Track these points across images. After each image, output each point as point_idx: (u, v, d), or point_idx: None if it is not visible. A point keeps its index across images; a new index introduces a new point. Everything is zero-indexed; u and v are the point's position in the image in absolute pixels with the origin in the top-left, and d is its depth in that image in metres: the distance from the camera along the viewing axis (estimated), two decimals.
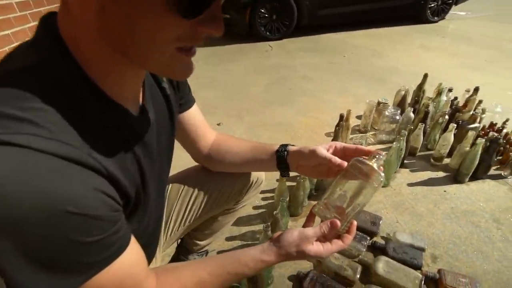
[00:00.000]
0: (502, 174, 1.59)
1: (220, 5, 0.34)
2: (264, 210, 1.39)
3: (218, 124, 2.12)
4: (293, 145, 0.71)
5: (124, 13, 0.31)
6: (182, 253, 0.99)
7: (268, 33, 4.06)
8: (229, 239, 1.25)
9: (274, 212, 1.09)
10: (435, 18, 4.77)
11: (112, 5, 0.31)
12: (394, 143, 1.42)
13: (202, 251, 1.01)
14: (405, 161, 1.67)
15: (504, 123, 1.73)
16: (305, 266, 1.13)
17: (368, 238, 1.20)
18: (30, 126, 0.31)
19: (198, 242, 0.95)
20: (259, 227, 1.30)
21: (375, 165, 0.55)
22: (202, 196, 0.79)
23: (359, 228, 1.24)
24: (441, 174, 1.61)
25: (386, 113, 1.83)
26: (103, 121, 0.38)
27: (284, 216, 1.19)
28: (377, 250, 1.18)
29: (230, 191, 0.82)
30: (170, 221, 0.78)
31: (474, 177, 1.55)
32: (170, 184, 0.80)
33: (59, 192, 0.31)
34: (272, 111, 2.27)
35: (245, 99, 2.47)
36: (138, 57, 0.36)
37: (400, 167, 1.64)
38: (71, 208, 0.31)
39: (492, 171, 1.60)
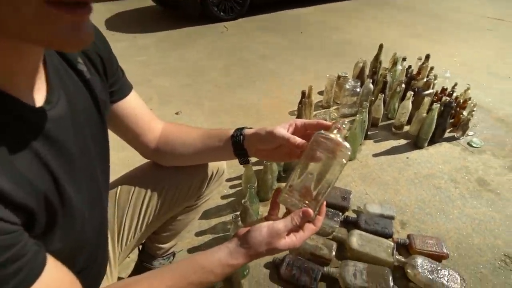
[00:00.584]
0: (455, 135, 1.67)
1: None
2: (233, 198, 1.32)
3: (177, 113, 1.98)
4: (250, 128, 0.63)
5: None
6: (145, 259, 0.89)
7: (222, 13, 3.86)
8: (198, 234, 1.18)
9: (243, 201, 1.03)
10: None
11: None
12: (357, 115, 1.42)
13: (168, 254, 0.92)
14: (368, 133, 1.69)
15: (453, 87, 1.81)
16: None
17: (340, 213, 1.20)
18: None
19: (161, 245, 0.86)
20: (230, 217, 1.24)
21: (339, 137, 0.50)
22: (157, 197, 0.70)
23: (330, 205, 1.23)
24: (402, 141, 1.66)
25: (347, 86, 1.83)
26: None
27: (253, 203, 1.13)
28: (350, 224, 1.18)
29: (189, 187, 0.73)
30: (123, 229, 0.68)
31: (432, 141, 1.62)
32: (119, 187, 0.69)
33: None
34: (233, 95, 2.17)
35: (203, 85, 2.33)
36: (7, 27, 0.26)
37: (364, 139, 1.65)
38: None
39: (446, 134, 1.68)
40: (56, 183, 0.35)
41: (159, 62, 2.77)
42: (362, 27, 3.54)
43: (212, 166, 0.76)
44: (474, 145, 1.61)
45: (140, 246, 0.91)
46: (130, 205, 0.68)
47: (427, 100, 1.56)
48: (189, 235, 1.17)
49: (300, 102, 1.58)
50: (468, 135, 1.68)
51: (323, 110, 1.95)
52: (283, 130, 0.56)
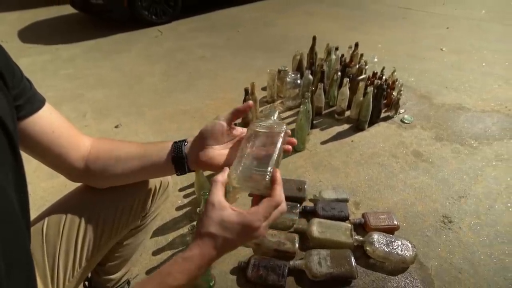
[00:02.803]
0: (389, 115, 1.82)
1: None
2: (188, 208, 1.25)
3: (116, 127, 1.82)
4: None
5: None
6: None
7: (153, 16, 3.68)
8: (156, 252, 1.09)
9: (198, 210, 0.97)
10: None
11: None
12: (301, 106, 1.45)
13: (121, 284, 0.82)
14: (314, 122, 1.75)
15: (382, 71, 1.97)
16: (244, 254, 1.07)
17: (298, 205, 1.21)
18: None
19: (110, 277, 0.76)
20: (187, 229, 1.17)
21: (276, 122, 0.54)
22: (94, 224, 0.61)
23: (287, 198, 1.22)
24: (346, 126, 1.75)
25: (288, 80, 1.86)
26: None
27: None
28: (309, 214, 1.20)
29: (130, 208, 0.65)
30: (58, 269, 0.58)
31: (371, 122, 1.73)
32: (45, 219, 0.59)
33: None
34: (175, 100, 2.07)
35: (142, 93, 2.18)
36: None
37: (311, 129, 1.70)
38: None
39: (382, 114, 1.82)
40: None
41: (90, 73, 2.52)
42: (296, 21, 3.67)
43: (155, 180, 0.69)
44: (406, 121, 1.77)
45: (87, 283, 0.80)
46: (63, 239, 0.58)
47: (361, 85, 1.66)
48: (146, 256, 1.07)
49: (244, 100, 1.56)
50: (400, 113, 1.84)
51: (269, 105, 1.97)
52: (222, 120, 0.54)
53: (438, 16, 3.74)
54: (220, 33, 3.38)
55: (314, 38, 2.14)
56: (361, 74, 1.81)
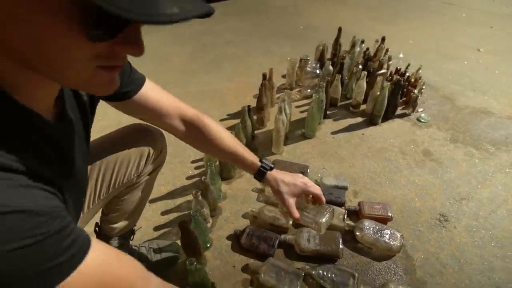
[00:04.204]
0: (407, 112, 1.80)
1: (138, 27, 0.33)
2: (197, 178, 1.36)
3: None
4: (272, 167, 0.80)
5: (26, 32, 0.28)
6: (103, 239, 0.92)
7: None
8: (164, 213, 1.22)
9: (203, 178, 1.07)
10: None
11: (11, 24, 0.27)
12: (313, 95, 1.49)
13: (124, 233, 0.94)
14: (328, 112, 1.78)
15: (406, 68, 1.94)
16: (242, 224, 1.16)
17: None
18: None
19: (113, 225, 0.88)
20: None
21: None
22: (103, 169, 0.74)
23: None
24: (359, 119, 1.76)
25: (308, 69, 1.90)
26: (10, 123, 0.34)
27: (215, 180, 1.18)
28: None
29: (127, 164, 0.77)
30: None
31: (386, 117, 1.74)
32: None
33: None
34: (198, 80, 2.18)
35: (168, 72, 2.31)
36: (52, 74, 0.33)
37: (324, 118, 1.74)
38: None
39: (399, 111, 1.81)
40: (60, 184, 0.40)
41: None
42: (326, 11, 3.61)
43: (149, 146, 0.80)
44: (422, 120, 1.75)
45: (97, 229, 0.93)
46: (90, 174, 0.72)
47: (379, 79, 1.66)
48: (155, 214, 1.21)
49: (261, 84, 1.62)
50: (417, 111, 1.81)
51: (285, 92, 2.01)
52: (290, 200, 0.78)
53: (482, 14, 3.51)
54: (248, 18, 3.42)
55: (339, 30, 2.13)
56: (381, 69, 1.80)
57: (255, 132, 1.62)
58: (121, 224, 0.89)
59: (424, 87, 1.84)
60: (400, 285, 0.95)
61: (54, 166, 0.41)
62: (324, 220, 0.81)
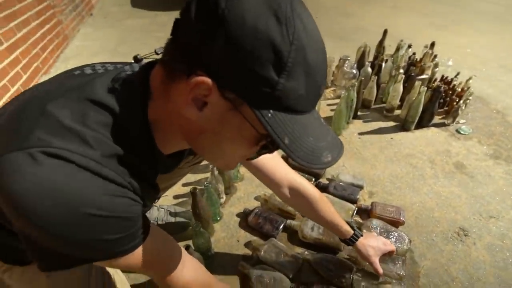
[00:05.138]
0: (446, 122, 1.70)
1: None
2: None
3: None
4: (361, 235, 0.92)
5: (218, 138, 0.43)
6: None
7: None
8: (185, 185, 1.33)
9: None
10: None
11: (212, 134, 0.43)
12: (343, 92, 1.49)
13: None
14: (359, 113, 1.76)
15: (455, 76, 1.82)
16: (252, 205, 1.23)
17: (313, 178, 1.30)
18: (79, 143, 0.39)
19: None
20: None
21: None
22: None
23: (305, 171, 1.34)
24: (391, 123, 1.71)
25: (345, 68, 1.88)
26: (145, 164, 0.47)
27: None
28: (320, 189, 1.27)
29: None
30: None
31: (420, 125, 1.66)
32: None
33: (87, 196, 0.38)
34: None
35: None
36: (207, 156, 0.50)
37: (353, 118, 1.72)
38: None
39: (437, 120, 1.71)
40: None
41: None
42: (378, 14, 3.48)
43: None
44: (462, 132, 1.64)
45: None
46: None
47: (418, 83, 1.59)
48: (178, 185, 1.32)
49: None
50: (458, 123, 1.70)
51: None
52: (376, 260, 0.91)
53: None
54: None
55: (385, 32, 2.07)
56: (422, 74, 1.72)
57: None
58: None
59: (471, 98, 1.71)
60: (397, 286, 0.94)
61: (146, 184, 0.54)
62: (402, 272, 0.96)
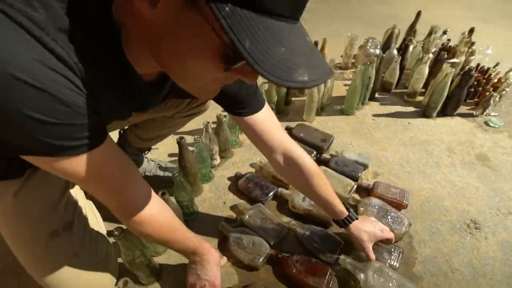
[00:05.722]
0: (474, 113, 1.53)
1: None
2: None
3: None
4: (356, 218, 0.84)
5: (178, 47, 0.37)
6: (123, 143, 1.04)
7: None
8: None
9: (219, 114, 1.11)
10: None
11: (171, 39, 0.37)
12: (359, 66, 1.38)
13: (141, 148, 1.06)
14: (377, 95, 1.64)
15: (494, 66, 1.64)
16: (246, 171, 1.17)
17: (315, 151, 1.22)
18: (25, 4, 0.33)
19: (138, 139, 1.01)
20: None
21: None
22: None
23: (308, 143, 1.26)
24: (411, 109, 1.58)
25: (368, 48, 1.76)
26: (113, 67, 0.43)
27: (235, 128, 1.22)
28: (321, 163, 1.20)
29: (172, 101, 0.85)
30: None
31: (444, 113, 1.51)
32: None
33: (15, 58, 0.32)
34: None
35: None
36: (175, 76, 0.43)
37: (370, 100, 1.60)
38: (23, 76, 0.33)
39: (465, 110, 1.55)
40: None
41: None
42: (419, 5, 3.23)
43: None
44: (491, 124, 1.47)
45: (121, 131, 1.06)
46: None
47: (446, 66, 1.44)
48: (173, 142, 1.30)
49: None
50: (489, 115, 1.53)
51: (339, 71, 1.91)
52: (369, 246, 0.83)
53: None
54: (329, 1, 3.30)
55: (418, 14, 1.91)
56: (452, 57, 1.56)
57: (292, 98, 1.60)
58: (142, 140, 1.00)
59: (508, 89, 1.53)
60: (387, 269, 0.85)
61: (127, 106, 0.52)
62: (396, 264, 0.87)
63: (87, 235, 0.76)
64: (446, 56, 1.66)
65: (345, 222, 0.83)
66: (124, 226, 0.65)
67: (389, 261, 0.86)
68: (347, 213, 0.82)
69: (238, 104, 0.69)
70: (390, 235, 0.86)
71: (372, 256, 0.83)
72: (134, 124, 0.99)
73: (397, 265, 0.86)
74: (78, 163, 0.45)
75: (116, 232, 0.67)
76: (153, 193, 0.64)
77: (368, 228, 0.84)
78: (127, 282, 0.62)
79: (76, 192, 0.79)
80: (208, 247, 0.79)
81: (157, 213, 0.63)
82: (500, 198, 1.10)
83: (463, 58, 1.65)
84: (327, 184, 0.81)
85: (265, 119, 0.73)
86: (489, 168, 1.23)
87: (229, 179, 1.15)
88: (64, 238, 0.71)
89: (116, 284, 0.61)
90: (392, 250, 0.88)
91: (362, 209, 1.00)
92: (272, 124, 0.75)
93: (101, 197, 0.55)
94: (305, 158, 0.77)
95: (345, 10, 3.05)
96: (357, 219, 0.84)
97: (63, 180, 0.75)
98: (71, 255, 0.72)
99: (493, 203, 1.08)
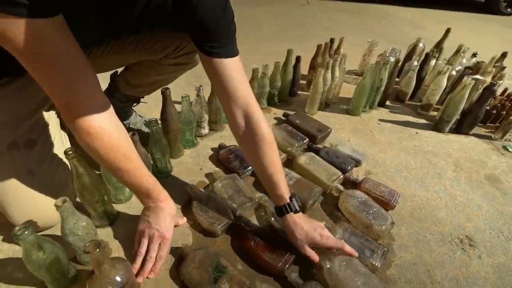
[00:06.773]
0: (493, 136, 1.40)
1: None
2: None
3: None
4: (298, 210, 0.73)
5: None
6: (112, 87, 1.03)
7: None
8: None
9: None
10: (509, 10, 4.18)
11: None
12: (370, 63, 1.31)
13: (130, 96, 1.04)
14: (388, 103, 1.55)
15: None
16: (231, 143, 1.12)
17: (307, 139, 1.15)
18: None
19: (126, 84, 0.99)
20: None
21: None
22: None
23: (303, 130, 1.20)
24: (422, 121, 1.47)
25: (387, 55, 1.69)
26: None
27: None
28: (312, 151, 1.13)
29: (156, 42, 0.84)
30: None
31: (458, 130, 1.40)
32: None
33: None
34: (277, 45, 2.21)
35: (262, 35, 2.43)
36: None
37: (379, 105, 1.52)
38: None
39: (482, 132, 1.43)
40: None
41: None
42: (453, 33, 3.14)
43: (185, 41, 0.84)
44: (510, 149, 1.33)
45: (112, 76, 1.05)
46: None
47: (465, 79, 1.34)
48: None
49: (323, 46, 1.53)
50: (509, 140, 1.39)
51: (354, 77, 1.85)
52: (305, 247, 0.72)
53: None
54: (360, 17, 3.27)
55: (447, 31, 1.84)
56: (476, 74, 1.45)
57: (298, 92, 1.56)
58: (130, 85, 0.99)
59: None
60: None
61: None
62: (378, 264, 0.75)
63: (48, 159, 0.74)
64: (470, 72, 1.56)
65: (281, 210, 0.72)
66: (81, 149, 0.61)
67: (370, 260, 0.75)
68: (288, 200, 0.72)
69: (211, 41, 0.65)
70: (336, 245, 0.71)
71: (314, 256, 0.72)
72: (125, 68, 0.98)
73: (379, 265, 0.75)
74: (16, 26, 0.42)
75: (70, 152, 0.63)
76: (111, 110, 0.61)
77: (307, 228, 0.72)
78: (65, 200, 0.58)
79: (50, 117, 0.78)
80: (165, 195, 0.74)
81: (109, 130, 0.59)
82: (505, 221, 0.97)
83: (488, 79, 1.54)
84: (277, 158, 0.73)
85: (235, 68, 0.68)
86: (498, 190, 1.10)
87: (212, 149, 1.11)
88: (22, 153, 0.69)
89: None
90: (375, 248, 0.78)
91: (342, 199, 0.92)
92: (241, 76, 0.70)
93: (44, 85, 0.51)
94: (263, 122, 0.71)
95: (374, 27, 3.01)
96: (297, 211, 0.73)
97: (38, 99, 0.73)
98: (25, 172, 0.69)
99: (496, 225, 0.96)
